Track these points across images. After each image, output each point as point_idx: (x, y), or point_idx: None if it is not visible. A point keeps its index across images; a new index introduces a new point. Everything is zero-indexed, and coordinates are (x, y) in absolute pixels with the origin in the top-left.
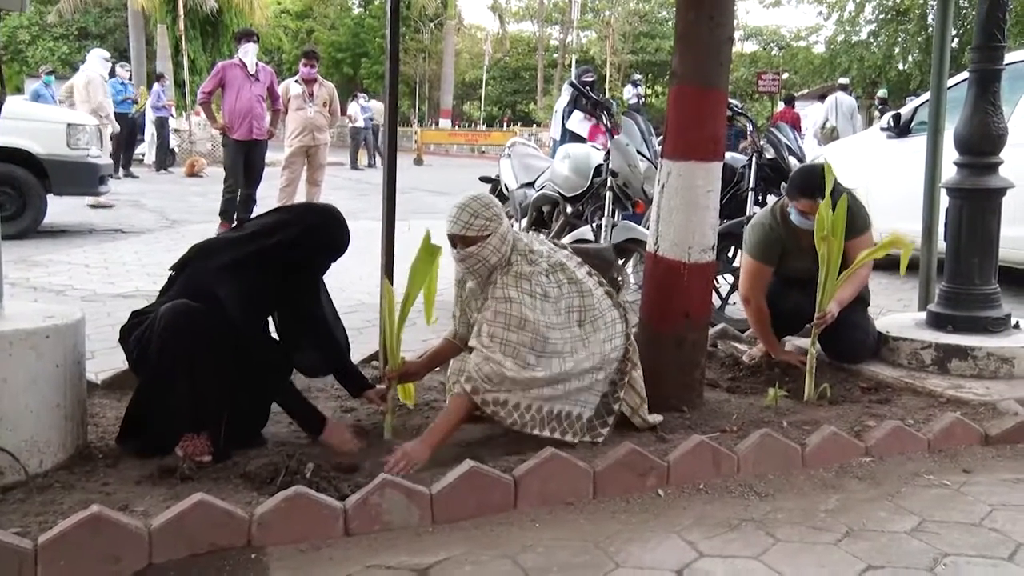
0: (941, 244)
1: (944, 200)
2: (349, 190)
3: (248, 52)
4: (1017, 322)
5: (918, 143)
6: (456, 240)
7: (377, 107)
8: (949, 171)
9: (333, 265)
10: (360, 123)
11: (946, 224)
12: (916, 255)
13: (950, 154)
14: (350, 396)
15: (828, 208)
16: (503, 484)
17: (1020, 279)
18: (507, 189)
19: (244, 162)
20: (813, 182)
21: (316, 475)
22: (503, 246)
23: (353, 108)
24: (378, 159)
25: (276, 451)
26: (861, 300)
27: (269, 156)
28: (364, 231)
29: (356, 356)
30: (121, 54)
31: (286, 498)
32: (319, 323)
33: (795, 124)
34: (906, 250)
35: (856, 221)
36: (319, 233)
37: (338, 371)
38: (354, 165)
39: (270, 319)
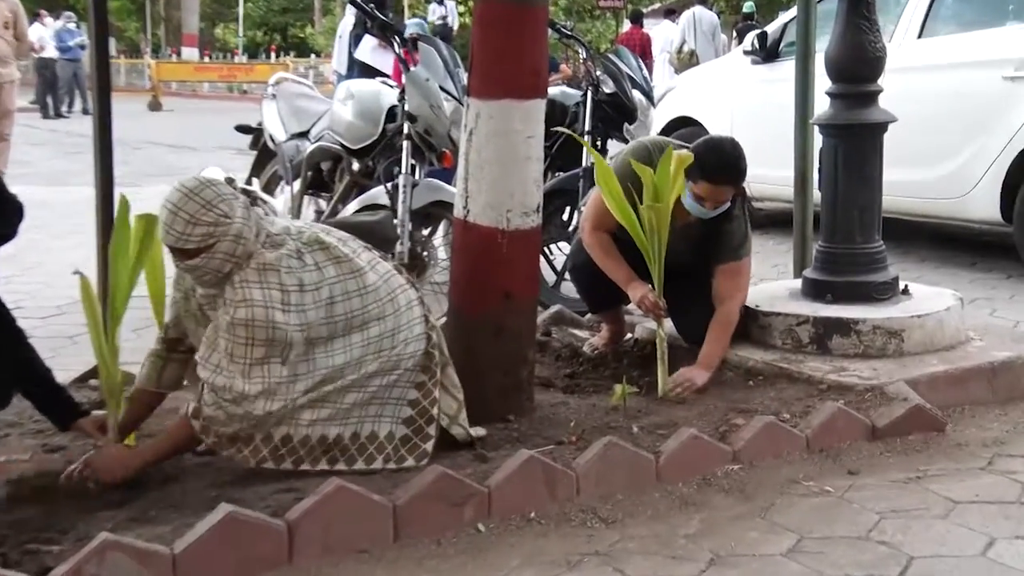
0: (819, 195)
1: (819, 140)
2: (54, 146)
3: None
4: (906, 286)
5: (788, 69)
6: (174, 251)
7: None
8: (822, 104)
9: (35, 252)
10: (50, 52)
11: (820, 169)
12: (789, 207)
13: (824, 82)
14: (57, 429)
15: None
16: (273, 532)
17: (907, 233)
18: (273, 141)
19: None
20: (720, 162)
21: (6, 545)
22: (239, 247)
23: (37, 31)
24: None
25: None
26: None
27: None
28: (77, 203)
29: (64, 374)
30: None
31: None
32: None
33: (644, 48)
34: (679, 163)
35: (734, 239)
36: None
37: (35, 396)
38: (47, 112)
39: None
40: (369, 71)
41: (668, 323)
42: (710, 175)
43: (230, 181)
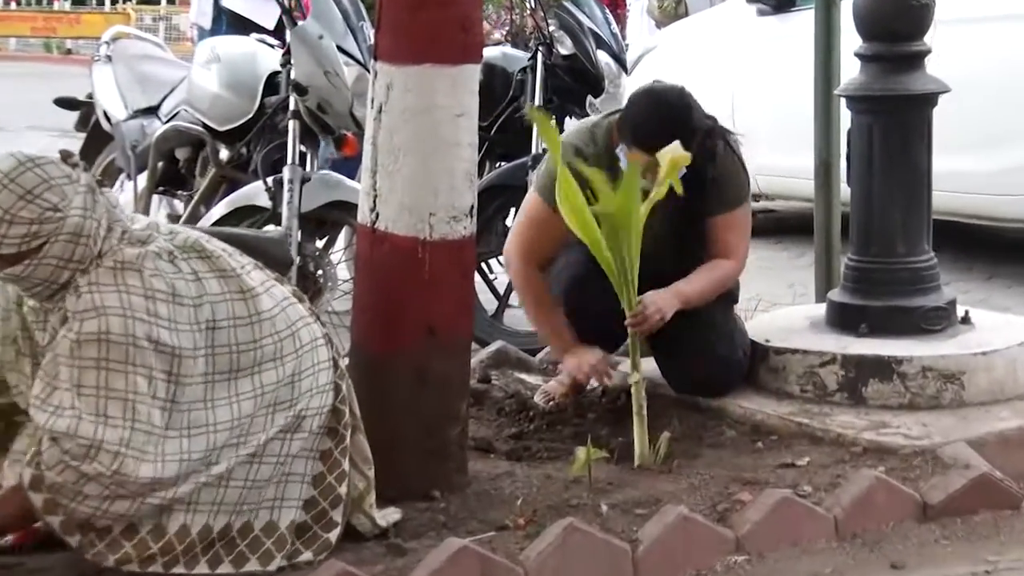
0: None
1: (846, 117)
2: None
3: None
4: (966, 312)
5: (806, 22)
6: None
7: None
8: (851, 69)
9: None
10: None
11: (849, 157)
12: (808, 208)
13: (853, 41)
14: None
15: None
16: None
17: (967, 242)
18: (109, 120)
19: None
20: (653, 119)
21: None
22: (78, 248)
23: None
24: None
25: None
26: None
27: None
28: None
29: None
30: None
31: None
32: None
33: None
34: (673, 164)
35: (726, 188)
36: None
37: None
38: None
39: None
40: (242, 25)
41: (649, 364)
42: (641, 138)
43: (66, 157)
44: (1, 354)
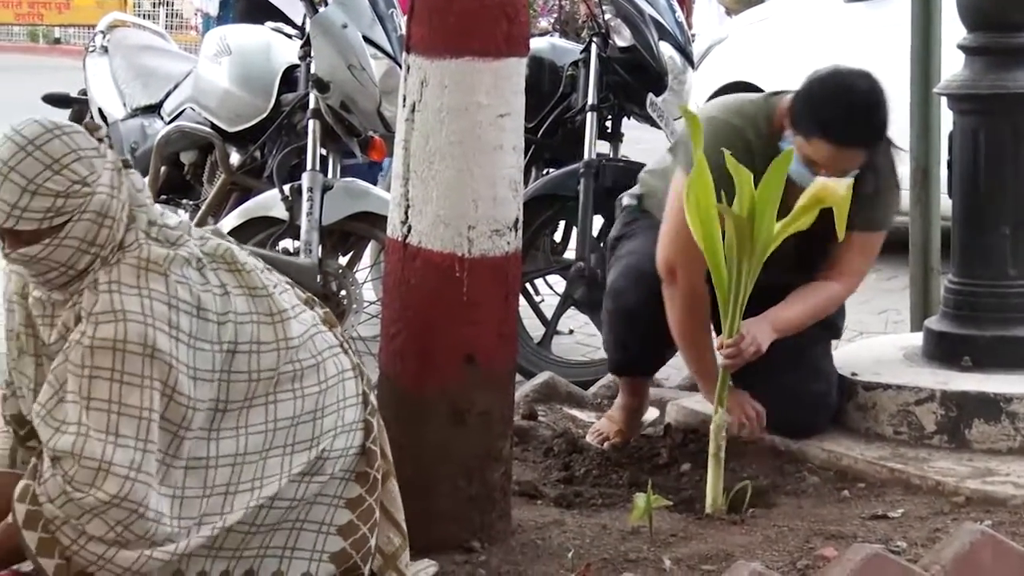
0: (948, 202)
1: (948, 118)
2: None
3: None
4: None
5: (901, 8)
6: (2, 233)
7: None
8: (954, 64)
9: None
10: None
11: (950, 163)
12: (903, 222)
13: (955, 31)
14: None
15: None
16: None
17: None
18: (105, 119)
19: None
20: (850, 111)
21: None
22: (103, 230)
23: None
24: None
25: None
26: (825, 324)
27: None
28: None
29: None
30: None
31: None
32: None
33: None
34: (840, 207)
35: (877, 206)
36: None
37: None
38: None
39: None
40: (256, 11)
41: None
42: (832, 132)
43: (93, 129)
44: (11, 369)
